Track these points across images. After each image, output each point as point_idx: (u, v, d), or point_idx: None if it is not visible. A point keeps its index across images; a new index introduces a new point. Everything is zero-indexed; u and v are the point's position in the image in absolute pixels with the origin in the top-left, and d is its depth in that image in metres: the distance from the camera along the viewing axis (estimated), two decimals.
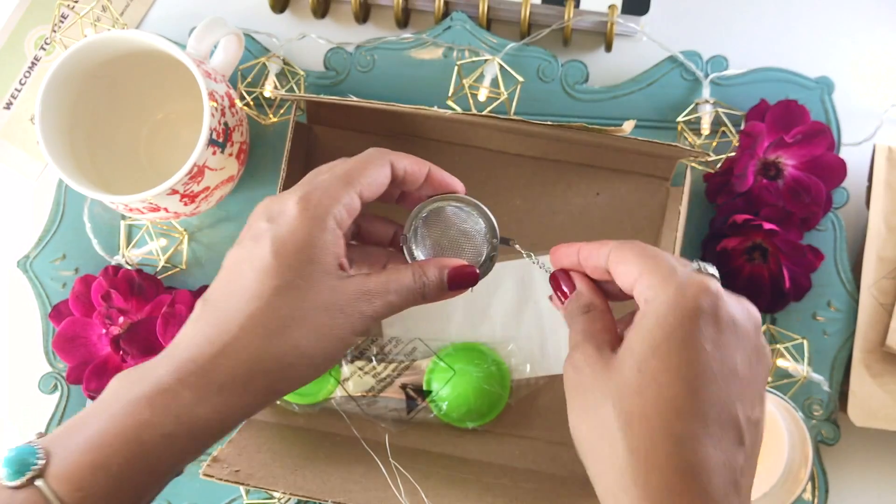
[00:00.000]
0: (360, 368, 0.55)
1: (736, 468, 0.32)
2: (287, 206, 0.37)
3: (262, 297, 0.36)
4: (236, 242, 0.39)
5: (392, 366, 0.55)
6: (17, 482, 0.32)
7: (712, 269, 0.35)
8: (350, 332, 0.37)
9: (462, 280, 0.41)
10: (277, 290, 0.36)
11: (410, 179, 0.41)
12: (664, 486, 0.31)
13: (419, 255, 0.42)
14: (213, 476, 0.47)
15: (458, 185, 0.42)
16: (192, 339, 0.36)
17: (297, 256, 0.36)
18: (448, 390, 0.53)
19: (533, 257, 0.43)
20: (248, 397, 0.36)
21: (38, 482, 0.32)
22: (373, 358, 0.55)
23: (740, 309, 0.34)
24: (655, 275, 0.34)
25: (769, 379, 0.55)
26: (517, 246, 0.43)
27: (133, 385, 0.35)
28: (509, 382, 0.55)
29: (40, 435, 0.35)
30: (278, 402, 0.56)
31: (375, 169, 0.39)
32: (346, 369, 0.55)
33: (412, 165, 0.41)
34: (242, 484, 0.47)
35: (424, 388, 0.55)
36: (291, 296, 0.36)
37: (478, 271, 0.41)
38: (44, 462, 0.32)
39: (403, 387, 0.55)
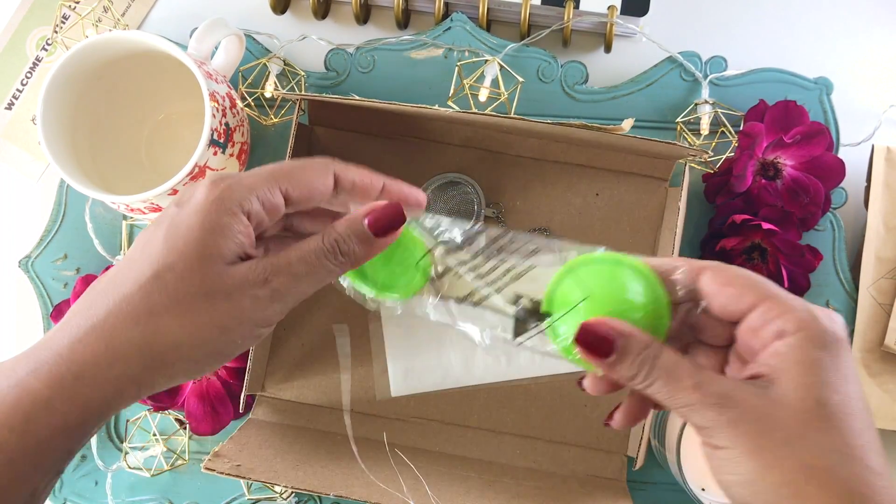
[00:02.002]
0: (463, 263, 0.40)
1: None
2: (197, 190, 0.35)
3: (137, 282, 0.33)
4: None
5: (505, 266, 0.39)
6: None
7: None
8: (237, 321, 0.34)
9: (388, 220, 0.36)
10: (155, 274, 0.33)
11: (361, 191, 0.38)
12: None
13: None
14: (214, 470, 0.47)
15: (418, 195, 0.39)
16: (57, 329, 0.34)
17: (185, 240, 0.34)
18: (579, 317, 0.35)
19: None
20: (109, 388, 0.33)
21: None
22: (480, 251, 0.40)
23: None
24: (783, 305, 0.31)
25: None
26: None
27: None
28: (668, 320, 0.34)
29: None
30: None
31: (311, 172, 0.37)
32: (443, 259, 0.40)
33: (363, 178, 0.38)
34: (244, 478, 0.47)
35: (544, 307, 0.37)
36: (168, 280, 0.33)
37: (402, 207, 0.37)
38: None
39: (516, 300, 0.38)
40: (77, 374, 0.32)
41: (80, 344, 0.33)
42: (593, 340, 0.33)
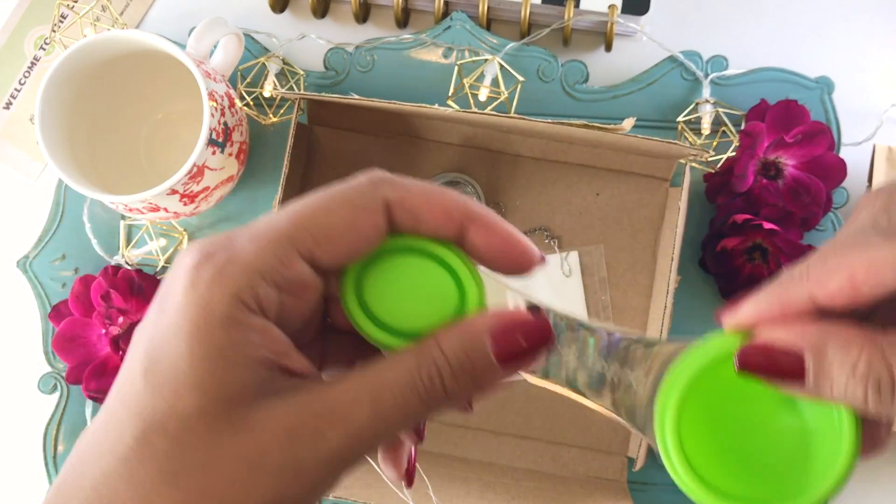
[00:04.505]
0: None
1: None
2: (175, 282, 0.23)
3: (117, 454, 0.22)
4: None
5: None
6: None
7: None
8: (273, 497, 0.22)
9: (531, 345, 0.24)
10: (140, 439, 0.22)
11: (430, 230, 0.25)
12: None
13: None
14: None
15: (532, 252, 0.26)
16: None
17: (173, 377, 0.22)
18: None
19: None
20: None
21: None
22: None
23: None
24: None
25: None
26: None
27: None
28: None
29: None
30: None
31: (345, 213, 0.24)
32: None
33: (431, 209, 0.24)
34: None
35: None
36: (159, 449, 0.22)
37: (550, 325, 0.24)
38: None
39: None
40: None
41: None
42: (767, 363, 0.23)
